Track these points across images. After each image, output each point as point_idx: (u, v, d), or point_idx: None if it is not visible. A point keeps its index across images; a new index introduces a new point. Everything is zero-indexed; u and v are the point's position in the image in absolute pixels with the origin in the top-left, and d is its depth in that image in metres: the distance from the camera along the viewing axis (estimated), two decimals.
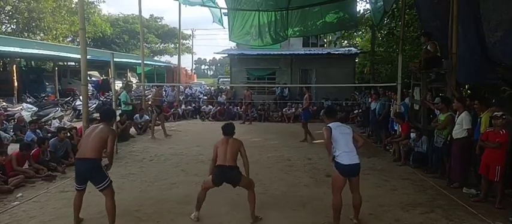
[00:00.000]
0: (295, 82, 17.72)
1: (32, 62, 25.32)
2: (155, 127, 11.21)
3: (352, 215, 4.57)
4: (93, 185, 4.23)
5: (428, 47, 7.57)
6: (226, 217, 4.74)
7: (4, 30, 26.66)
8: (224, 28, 13.87)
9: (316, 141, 10.31)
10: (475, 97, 6.21)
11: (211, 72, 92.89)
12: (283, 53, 18.26)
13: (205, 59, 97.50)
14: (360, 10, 16.51)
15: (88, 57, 9.20)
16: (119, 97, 10.67)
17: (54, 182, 6.19)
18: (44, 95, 17.30)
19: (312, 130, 10.38)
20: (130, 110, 10.83)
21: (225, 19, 13.42)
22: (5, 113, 11.42)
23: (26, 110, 12.04)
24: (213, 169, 4.53)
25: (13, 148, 7.29)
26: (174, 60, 42.17)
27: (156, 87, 12.54)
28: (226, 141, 4.60)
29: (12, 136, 9.26)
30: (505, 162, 5.03)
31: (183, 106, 16.07)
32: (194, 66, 53.51)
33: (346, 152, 4.21)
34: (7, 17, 26.85)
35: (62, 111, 13.26)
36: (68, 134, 7.97)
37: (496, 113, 5.16)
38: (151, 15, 47.34)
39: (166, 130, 11.15)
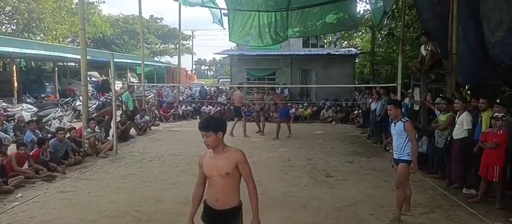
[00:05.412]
0: (295, 83, 17.72)
1: (32, 62, 25.27)
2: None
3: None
4: None
5: (430, 48, 7.55)
6: None
7: (4, 30, 26.70)
8: (224, 28, 13.86)
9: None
10: (480, 96, 6.16)
11: (212, 73, 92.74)
12: (283, 53, 18.25)
13: (205, 60, 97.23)
14: (360, 11, 16.49)
15: (88, 57, 9.25)
16: (120, 97, 10.72)
17: (54, 183, 6.19)
18: (44, 95, 17.30)
19: (311, 131, 10.37)
20: (132, 110, 10.95)
21: (225, 19, 13.41)
22: (5, 113, 11.36)
23: (26, 110, 12.00)
24: None
25: (13, 149, 7.27)
26: (174, 60, 42.18)
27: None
28: None
29: (12, 137, 9.24)
30: (503, 162, 5.02)
31: (183, 107, 16.06)
32: (194, 66, 53.54)
33: None
34: (7, 18, 26.90)
35: (62, 111, 13.24)
36: (68, 135, 7.96)
37: (497, 114, 5.14)
38: (152, 16, 47.40)
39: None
